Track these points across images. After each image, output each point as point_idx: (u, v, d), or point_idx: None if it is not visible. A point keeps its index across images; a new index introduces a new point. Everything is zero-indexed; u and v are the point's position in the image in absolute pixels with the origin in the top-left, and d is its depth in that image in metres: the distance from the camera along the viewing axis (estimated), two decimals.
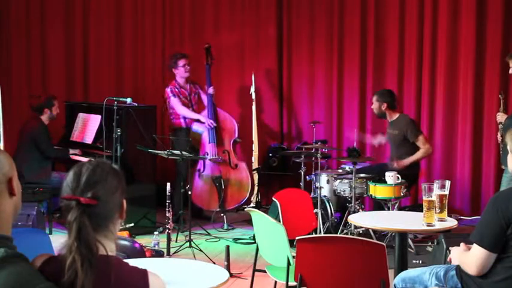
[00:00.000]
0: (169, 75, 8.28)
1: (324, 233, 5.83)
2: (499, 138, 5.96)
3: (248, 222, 6.11)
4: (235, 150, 7.17)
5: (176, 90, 7.03)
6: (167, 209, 5.59)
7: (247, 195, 7.02)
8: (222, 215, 6.94)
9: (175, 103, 6.99)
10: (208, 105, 7.12)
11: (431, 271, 3.27)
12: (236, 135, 7.14)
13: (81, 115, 7.10)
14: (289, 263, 3.62)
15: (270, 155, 7.85)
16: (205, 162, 7.05)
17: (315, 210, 5.66)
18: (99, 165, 1.88)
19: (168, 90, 7.04)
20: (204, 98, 7.17)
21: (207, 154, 6.99)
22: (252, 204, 7.25)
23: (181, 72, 7.04)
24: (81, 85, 8.35)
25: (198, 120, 7.03)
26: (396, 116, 6.43)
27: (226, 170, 7.07)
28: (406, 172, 6.15)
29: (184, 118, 7.04)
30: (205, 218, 7.05)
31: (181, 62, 7.03)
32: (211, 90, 7.14)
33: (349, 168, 6.49)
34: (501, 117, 5.83)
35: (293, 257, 3.45)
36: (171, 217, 5.60)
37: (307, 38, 7.92)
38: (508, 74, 5.81)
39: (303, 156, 6.45)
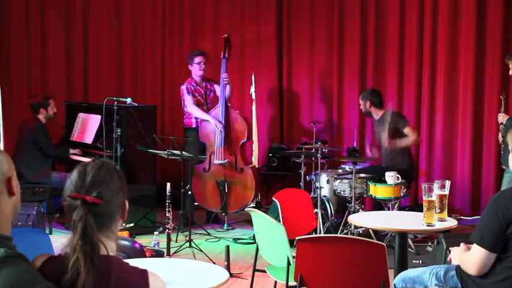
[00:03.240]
0: (169, 74, 8.33)
1: (324, 233, 5.82)
2: (500, 139, 5.96)
3: (248, 222, 6.10)
4: (242, 153, 6.93)
5: (191, 87, 6.85)
6: (167, 209, 5.59)
7: (250, 201, 6.83)
8: (223, 214, 6.92)
9: (188, 101, 6.82)
10: (220, 98, 6.78)
11: (431, 271, 3.27)
12: (246, 137, 6.88)
13: (81, 115, 7.10)
14: (289, 263, 3.62)
15: (270, 155, 7.85)
16: (210, 161, 6.88)
17: (315, 210, 5.66)
18: (104, 165, 1.88)
19: (183, 87, 6.87)
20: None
21: (214, 155, 6.85)
22: (252, 204, 7.21)
23: (195, 70, 6.86)
24: (81, 85, 8.35)
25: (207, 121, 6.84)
26: (381, 112, 6.45)
27: (231, 174, 6.83)
28: (401, 169, 6.12)
29: (196, 118, 6.88)
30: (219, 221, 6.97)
31: (197, 59, 6.84)
32: (225, 76, 6.78)
33: (349, 168, 6.49)
34: (502, 117, 5.83)
35: (293, 257, 3.44)
36: (171, 217, 5.59)
37: (307, 38, 7.92)
38: (508, 75, 5.81)
39: (303, 156, 6.45)
